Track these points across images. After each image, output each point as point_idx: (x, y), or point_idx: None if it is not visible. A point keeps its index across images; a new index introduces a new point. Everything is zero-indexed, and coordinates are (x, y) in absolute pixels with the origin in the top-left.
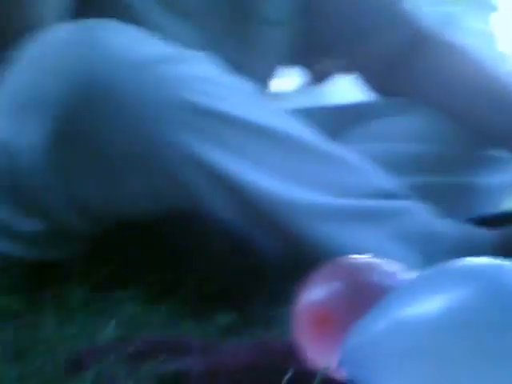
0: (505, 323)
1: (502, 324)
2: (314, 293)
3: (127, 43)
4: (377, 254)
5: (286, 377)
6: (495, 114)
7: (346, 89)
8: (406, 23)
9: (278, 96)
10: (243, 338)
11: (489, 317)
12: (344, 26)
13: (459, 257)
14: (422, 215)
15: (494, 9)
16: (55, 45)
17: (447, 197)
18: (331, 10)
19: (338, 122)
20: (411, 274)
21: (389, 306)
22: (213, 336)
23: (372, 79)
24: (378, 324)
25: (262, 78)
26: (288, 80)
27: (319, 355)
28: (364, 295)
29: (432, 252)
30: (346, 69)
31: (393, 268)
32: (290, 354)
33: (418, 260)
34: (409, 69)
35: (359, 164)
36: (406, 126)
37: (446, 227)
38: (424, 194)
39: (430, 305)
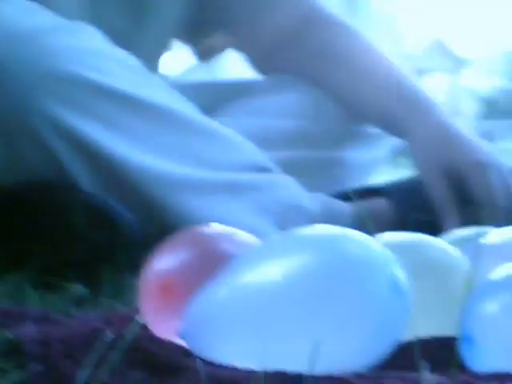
0: (335, 290)
1: (331, 291)
2: (161, 261)
3: (13, 13)
4: (233, 224)
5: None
6: (376, 94)
7: (237, 65)
8: (296, 2)
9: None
10: (92, 308)
11: (320, 284)
12: (233, 3)
13: None
14: (286, 189)
15: None
16: None
17: (317, 171)
18: None
19: (215, 97)
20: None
21: (229, 274)
22: (60, 307)
23: (256, 57)
24: (216, 292)
25: (152, 52)
26: (176, 56)
27: (163, 324)
28: (210, 264)
29: (290, 224)
30: (234, 45)
31: (244, 238)
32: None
33: (275, 232)
34: (296, 47)
35: (231, 138)
36: (281, 103)
37: (308, 200)
38: (293, 168)
39: (267, 272)
